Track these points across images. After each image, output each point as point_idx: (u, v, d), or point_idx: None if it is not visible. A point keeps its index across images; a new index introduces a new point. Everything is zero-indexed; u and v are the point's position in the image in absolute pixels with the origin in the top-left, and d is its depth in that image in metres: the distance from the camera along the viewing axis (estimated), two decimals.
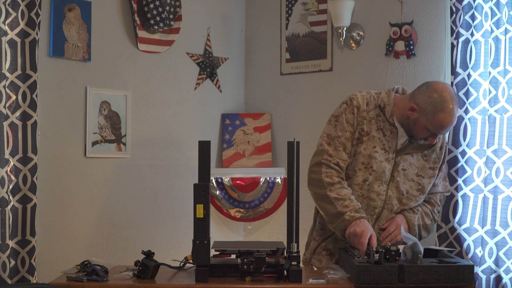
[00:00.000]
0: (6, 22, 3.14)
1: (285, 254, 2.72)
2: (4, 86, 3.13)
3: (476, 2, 3.26)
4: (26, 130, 3.20)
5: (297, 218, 2.70)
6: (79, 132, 3.69)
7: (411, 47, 3.78)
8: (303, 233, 2.91)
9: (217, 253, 2.77)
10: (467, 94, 3.30)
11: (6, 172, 3.11)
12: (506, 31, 3.16)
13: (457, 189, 3.31)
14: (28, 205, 3.20)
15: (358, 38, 4.02)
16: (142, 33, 3.92)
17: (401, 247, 2.75)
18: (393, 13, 3.87)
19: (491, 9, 3.20)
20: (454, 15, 3.36)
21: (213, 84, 4.33)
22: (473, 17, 3.28)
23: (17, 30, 3.16)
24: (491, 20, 3.21)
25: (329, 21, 4.14)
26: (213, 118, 4.35)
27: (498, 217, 3.12)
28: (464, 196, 3.30)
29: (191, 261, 2.74)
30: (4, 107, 3.13)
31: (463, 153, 3.30)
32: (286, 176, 2.99)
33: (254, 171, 4.30)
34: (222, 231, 4.33)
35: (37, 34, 3.23)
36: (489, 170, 3.16)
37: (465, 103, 3.30)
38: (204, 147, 2.81)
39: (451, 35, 3.39)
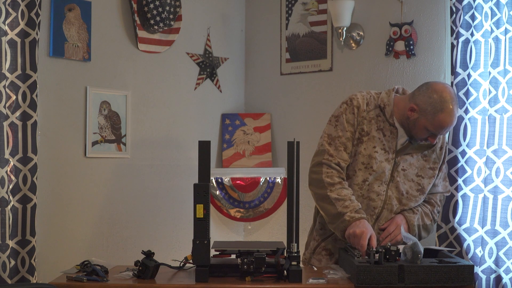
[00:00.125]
0: (6, 22, 3.13)
1: (285, 254, 2.72)
2: (4, 86, 3.13)
3: (476, 2, 3.26)
4: (26, 130, 3.20)
5: (297, 218, 2.70)
6: (79, 132, 3.69)
7: (411, 47, 3.78)
8: (303, 233, 2.91)
9: (217, 253, 2.78)
10: (467, 94, 3.30)
11: (6, 172, 3.11)
12: (506, 31, 3.16)
13: (457, 189, 3.31)
14: (28, 205, 3.20)
15: (358, 38, 4.02)
16: (142, 33, 3.92)
17: (401, 247, 2.75)
18: (393, 13, 3.87)
19: (491, 9, 3.20)
20: (454, 15, 3.36)
21: (213, 84, 4.33)
22: (473, 17, 3.28)
23: (17, 30, 3.16)
24: (491, 20, 3.21)
25: (329, 21, 4.14)
26: (213, 118, 4.35)
27: (498, 217, 3.12)
28: (464, 196, 3.30)
29: (191, 261, 2.74)
30: (4, 107, 3.13)
31: (463, 153, 3.30)
32: (286, 176, 2.99)
33: (254, 171, 4.30)
34: (222, 231, 4.33)
35: (37, 34, 3.23)
36: (489, 170, 3.16)
37: (465, 103, 3.30)
38: (204, 147, 2.81)
39: (451, 35, 3.39)
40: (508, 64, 3.16)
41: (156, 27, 3.90)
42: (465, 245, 3.27)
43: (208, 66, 4.29)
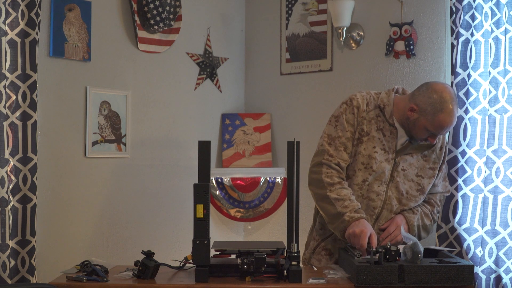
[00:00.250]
0: (6, 22, 3.13)
1: (285, 254, 2.72)
2: (4, 86, 3.13)
3: (476, 2, 3.26)
4: (26, 130, 3.20)
5: (297, 218, 2.70)
6: (79, 132, 3.69)
7: (411, 47, 3.78)
8: (303, 233, 2.91)
9: (217, 253, 2.77)
10: (467, 94, 3.30)
11: (6, 172, 3.11)
12: (506, 31, 3.16)
13: (457, 189, 3.31)
14: (28, 205, 3.20)
15: (358, 38, 4.02)
16: (142, 33, 3.92)
17: (401, 247, 2.75)
18: (393, 13, 3.87)
19: (491, 9, 3.20)
20: (454, 15, 3.36)
21: (213, 84, 4.33)
22: (473, 17, 3.28)
23: (17, 30, 3.16)
24: (491, 20, 3.20)
25: (329, 21, 4.14)
26: (213, 118, 4.35)
27: (498, 217, 3.12)
28: (464, 196, 3.30)
29: (191, 261, 2.74)
30: (4, 107, 3.13)
31: (463, 153, 3.30)
32: (286, 176, 2.99)
33: (254, 171, 4.30)
34: (222, 231, 4.33)
35: (37, 34, 3.23)
36: (489, 170, 3.16)
37: (465, 103, 3.30)
38: (204, 147, 2.81)
39: (451, 35, 3.39)
40: (508, 64, 3.16)
41: (156, 27, 3.90)
42: (465, 245, 3.27)
43: (208, 66, 4.29)
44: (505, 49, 3.16)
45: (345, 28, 3.97)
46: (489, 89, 3.20)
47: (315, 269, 2.90)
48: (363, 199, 3.03)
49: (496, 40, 3.18)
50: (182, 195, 4.08)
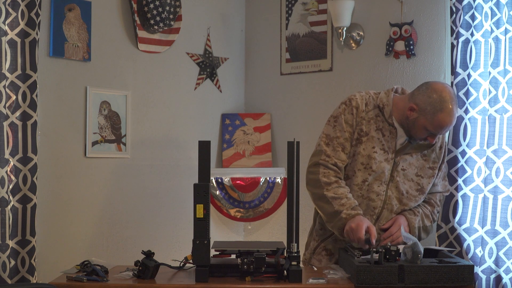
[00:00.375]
0: (6, 22, 3.13)
1: (285, 254, 2.72)
2: (4, 86, 3.13)
3: (476, 2, 3.26)
4: (26, 130, 3.20)
5: (297, 218, 2.70)
6: (79, 132, 3.69)
7: (411, 47, 3.77)
8: (303, 233, 2.91)
9: (217, 253, 2.77)
10: (467, 94, 3.30)
11: (6, 172, 3.11)
12: (506, 31, 3.16)
13: (457, 189, 3.31)
14: (28, 205, 3.20)
15: (358, 38, 4.02)
16: (142, 33, 3.92)
17: (401, 247, 2.75)
18: (393, 13, 3.87)
19: (491, 9, 3.20)
20: (454, 15, 3.36)
21: (213, 84, 4.33)
22: (473, 17, 3.28)
23: (17, 30, 3.16)
24: (491, 20, 3.20)
25: (329, 21, 4.14)
26: (213, 118, 4.35)
27: (498, 217, 3.12)
28: (464, 196, 3.30)
29: (191, 261, 2.74)
30: (4, 107, 3.13)
31: (463, 153, 3.30)
32: (286, 176, 2.99)
33: (254, 171, 4.30)
34: (222, 231, 4.33)
35: (37, 34, 3.23)
36: (489, 170, 3.16)
37: (465, 103, 3.30)
38: (204, 147, 2.81)
39: (451, 35, 3.39)
40: (508, 64, 3.16)
41: (156, 27, 3.90)
42: (465, 245, 3.27)
43: (208, 66, 4.29)
44: (505, 49, 3.16)
45: (345, 28, 3.97)
46: (489, 89, 3.20)
47: (315, 269, 2.90)
48: (363, 200, 3.03)
49: (496, 40, 3.18)
50: (182, 195, 4.08)
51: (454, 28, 3.36)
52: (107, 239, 3.81)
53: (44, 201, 3.45)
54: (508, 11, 3.15)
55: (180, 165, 4.12)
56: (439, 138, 3.09)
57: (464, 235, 3.28)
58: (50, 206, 3.53)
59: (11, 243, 3.14)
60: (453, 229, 3.31)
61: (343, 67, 4.11)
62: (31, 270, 3.20)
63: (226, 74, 4.40)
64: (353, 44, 4.05)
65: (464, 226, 3.28)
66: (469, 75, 3.30)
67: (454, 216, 3.31)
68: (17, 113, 3.18)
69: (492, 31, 3.20)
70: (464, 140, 3.29)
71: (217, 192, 4.25)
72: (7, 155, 3.13)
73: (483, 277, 3.13)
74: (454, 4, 3.36)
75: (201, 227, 2.61)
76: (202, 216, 2.61)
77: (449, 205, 3.32)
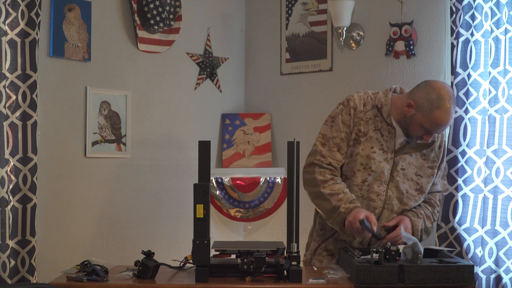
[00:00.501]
0: (6, 22, 3.13)
1: (285, 254, 2.72)
2: (4, 86, 3.13)
3: (476, 2, 3.26)
4: (26, 130, 3.20)
5: (297, 218, 2.70)
6: (79, 132, 3.69)
7: (411, 47, 3.77)
8: (303, 233, 2.91)
9: (217, 253, 2.77)
10: (467, 94, 3.30)
11: (6, 172, 3.11)
12: (506, 31, 3.16)
13: (457, 189, 3.31)
14: (28, 205, 3.20)
15: (358, 38, 4.02)
16: (142, 33, 3.92)
17: (401, 247, 2.75)
18: (393, 13, 3.87)
19: (491, 9, 3.20)
20: (454, 15, 3.36)
21: (213, 84, 4.33)
22: (473, 17, 3.28)
23: (17, 30, 3.16)
24: (491, 20, 3.20)
25: (329, 21, 4.14)
26: (213, 118, 4.35)
27: (498, 217, 3.12)
28: (464, 196, 3.30)
29: (191, 261, 2.74)
30: (4, 107, 3.13)
31: (463, 153, 3.30)
32: (286, 176, 2.99)
33: (254, 171, 4.30)
34: (222, 231, 4.33)
35: (37, 34, 3.23)
36: (489, 170, 3.16)
37: (465, 103, 3.30)
38: (204, 147, 2.81)
39: (451, 35, 3.39)
40: (508, 64, 3.16)
41: (156, 27, 3.90)
42: (465, 245, 3.27)
43: (208, 66, 4.29)
44: (505, 49, 3.16)
45: (345, 28, 3.97)
46: (489, 89, 3.20)
47: (315, 269, 2.90)
48: (363, 200, 3.03)
49: (496, 40, 3.18)
50: (182, 195, 4.08)
51: (454, 28, 3.36)
52: (107, 239, 3.81)
53: (44, 201, 3.45)
54: (508, 11, 3.15)
55: (180, 165, 4.12)
56: (438, 137, 3.09)
57: (464, 235, 3.28)
58: (50, 206, 3.53)
59: (11, 243, 3.14)
60: (453, 229, 3.31)
61: (343, 67, 4.11)
62: (31, 270, 3.20)
63: (226, 74, 4.40)
64: (353, 44, 4.05)
65: (464, 226, 3.28)
66: (469, 75, 3.30)
67: (454, 216, 3.31)
68: (17, 113, 3.18)
69: (492, 31, 3.20)
70: (464, 140, 3.29)
71: (217, 192, 4.25)
72: (7, 155, 3.13)
73: (483, 277, 3.13)
74: (454, 4, 3.36)
75: (201, 227, 2.61)
76: (202, 216, 2.61)
77: (449, 205, 3.32)
